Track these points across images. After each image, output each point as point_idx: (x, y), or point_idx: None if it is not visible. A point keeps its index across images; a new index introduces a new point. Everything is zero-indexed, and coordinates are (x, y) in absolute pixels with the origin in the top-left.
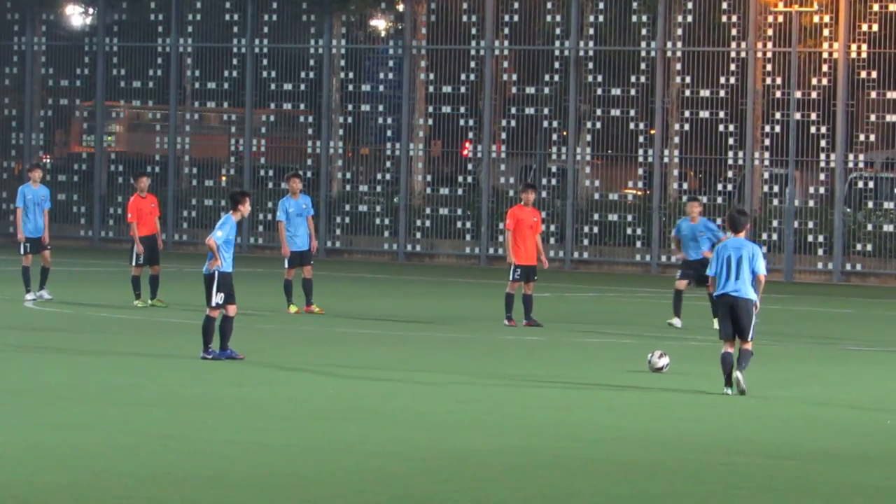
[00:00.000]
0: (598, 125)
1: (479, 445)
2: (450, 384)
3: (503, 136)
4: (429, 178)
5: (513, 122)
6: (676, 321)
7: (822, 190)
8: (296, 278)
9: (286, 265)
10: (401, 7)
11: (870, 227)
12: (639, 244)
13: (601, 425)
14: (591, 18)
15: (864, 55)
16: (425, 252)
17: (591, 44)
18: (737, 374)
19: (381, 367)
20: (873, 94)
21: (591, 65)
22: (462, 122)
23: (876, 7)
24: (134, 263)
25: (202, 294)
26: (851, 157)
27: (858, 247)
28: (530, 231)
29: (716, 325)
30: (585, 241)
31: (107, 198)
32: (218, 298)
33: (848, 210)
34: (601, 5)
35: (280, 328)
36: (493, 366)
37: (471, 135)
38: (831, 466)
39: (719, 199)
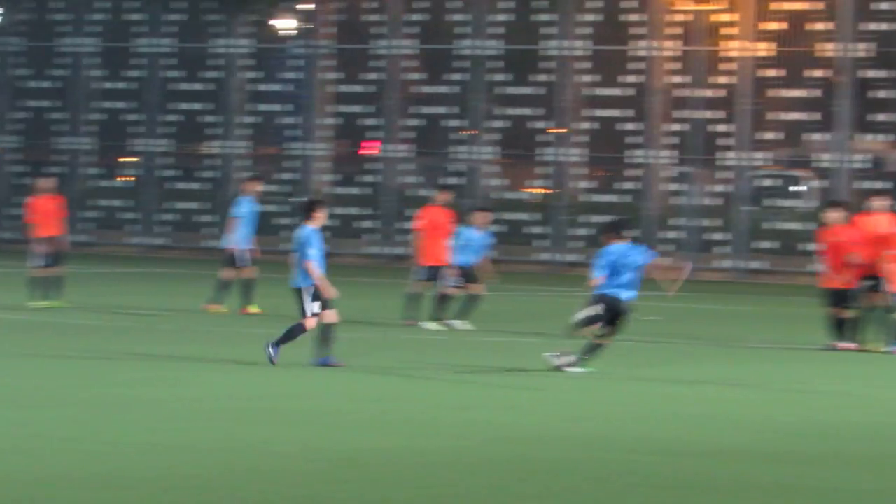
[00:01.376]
0: (504, 124)
1: (380, 445)
2: (352, 384)
3: (409, 135)
4: (333, 177)
5: (418, 122)
6: (457, 323)
7: (726, 188)
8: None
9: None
10: (307, 6)
11: (774, 224)
12: (543, 243)
13: (502, 424)
14: (497, 17)
15: (768, 53)
16: (329, 251)
17: (496, 42)
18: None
19: (280, 365)
20: (778, 93)
21: (497, 64)
22: (368, 121)
23: (780, 6)
24: (36, 265)
25: (105, 295)
26: (756, 155)
27: (763, 245)
28: (440, 232)
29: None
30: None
31: (7, 198)
32: (315, 308)
33: (752, 208)
34: (506, 4)
35: (181, 328)
36: (394, 365)
37: (376, 134)
38: (731, 463)
39: (624, 198)
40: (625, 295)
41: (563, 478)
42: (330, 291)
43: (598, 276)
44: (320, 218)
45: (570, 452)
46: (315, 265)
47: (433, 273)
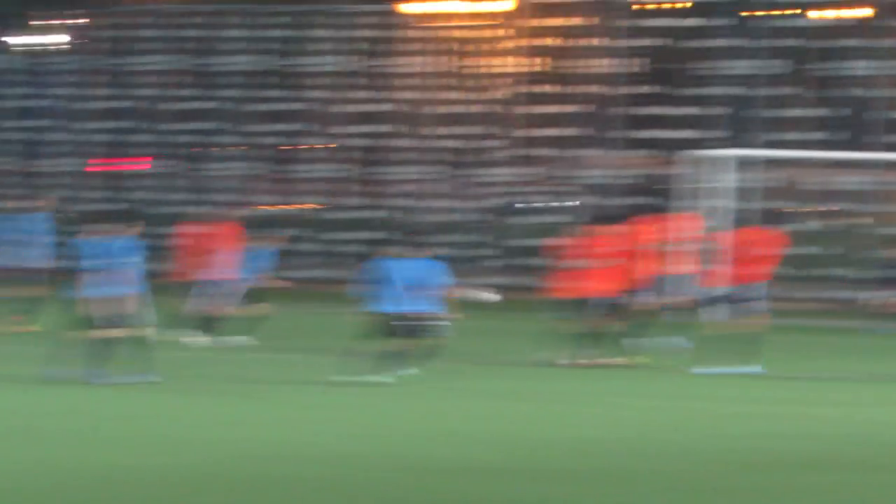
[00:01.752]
0: (272, 140)
1: (131, 463)
2: (113, 401)
3: (174, 151)
4: (102, 194)
5: (185, 138)
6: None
7: (494, 204)
8: None
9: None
10: (77, 21)
11: (540, 241)
12: (311, 260)
13: (263, 441)
14: (270, 34)
15: (539, 69)
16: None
17: (267, 58)
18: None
19: (41, 383)
20: (547, 108)
21: (265, 79)
22: (137, 137)
23: (551, 22)
24: None
25: None
26: (524, 171)
27: (529, 261)
28: (222, 247)
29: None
30: None
31: None
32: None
33: (517, 223)
34: (279, 21)
35: None
36: (162, 381)
37: (146, 150)
38: (478, 481)
39: (393, 213)
40: (392, 307)
41: (308, 496)
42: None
43: (360, 291)
44: (136, 229)
45: (328, 470)
46: (136, 274)
47: (212, 289)
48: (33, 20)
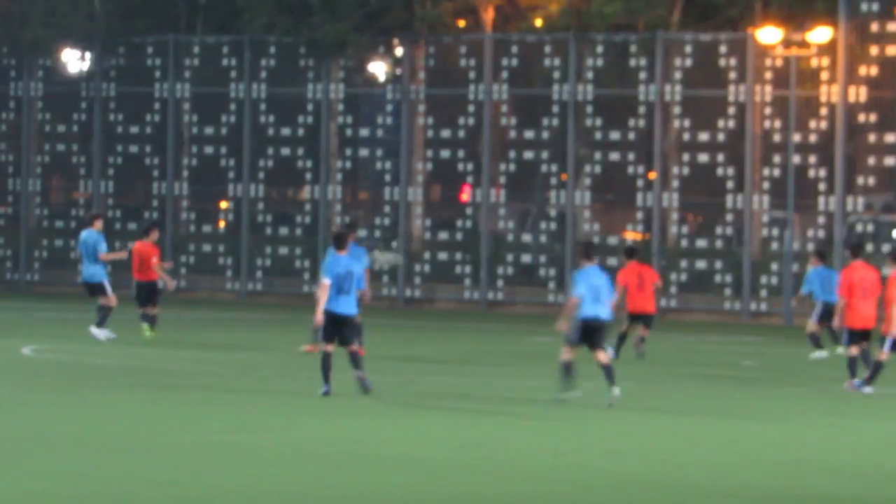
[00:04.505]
0: (598, 169)
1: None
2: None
3: (502, 180)
4: (428, 222)
5: (512, 167)
6: None
7: (821, 233)
8: None
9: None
10: (399, 52)
11: None
12: None
13: (600, 468)
14: (590, 62)
15: (862, 98)
16: (425, 297)
17: (589, 88)
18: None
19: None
20: (872, 138)
21: (589, 109)
22: (461, 166)
23: (874, 50)
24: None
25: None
26: (851, 200)
27: None
28: None
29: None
30: None
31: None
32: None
33: (847, 252)
34: (599, 49)
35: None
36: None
37: (470, 179)
38: None
39: (719, 243)
40: None
41: None
42: None
43: None
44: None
45: None
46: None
47: None
48: (351, 50)
